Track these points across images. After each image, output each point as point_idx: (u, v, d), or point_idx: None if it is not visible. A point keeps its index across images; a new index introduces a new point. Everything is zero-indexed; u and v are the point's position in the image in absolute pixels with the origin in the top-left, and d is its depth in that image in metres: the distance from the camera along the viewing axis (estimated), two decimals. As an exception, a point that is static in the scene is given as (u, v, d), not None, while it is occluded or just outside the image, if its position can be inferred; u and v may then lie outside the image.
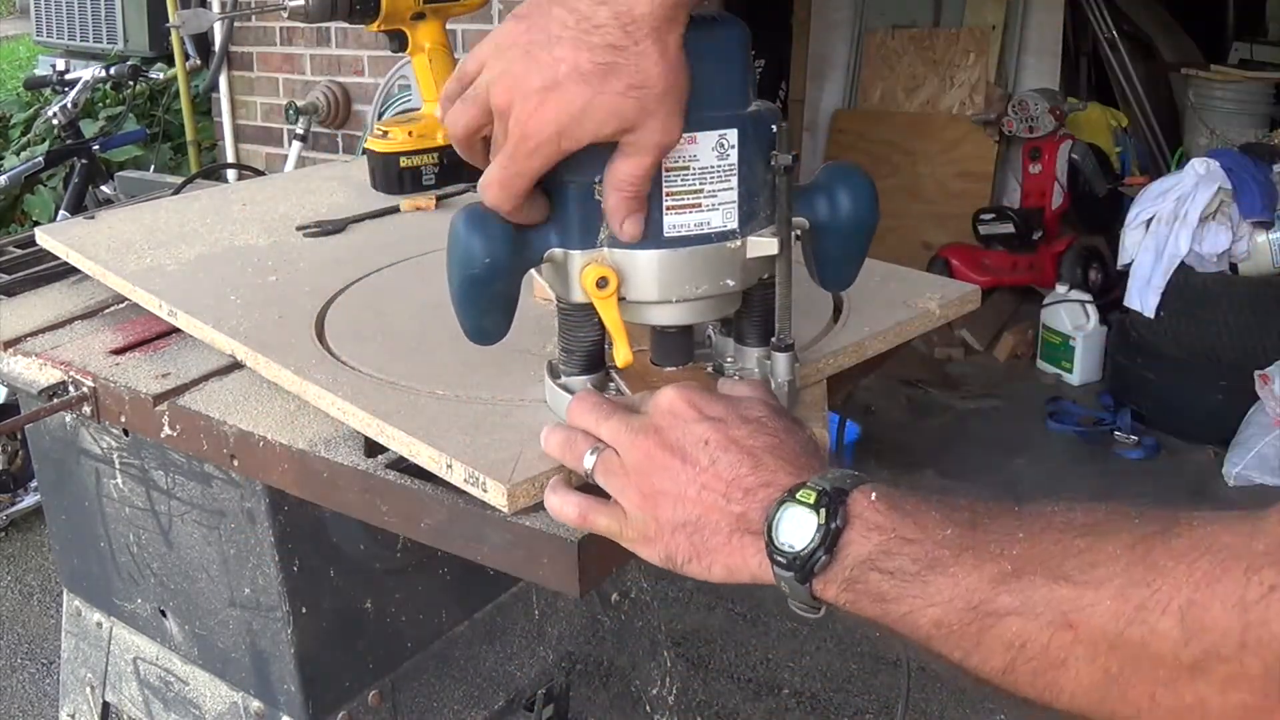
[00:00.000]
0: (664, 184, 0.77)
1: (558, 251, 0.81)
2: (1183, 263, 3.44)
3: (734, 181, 0.78)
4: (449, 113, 0.77)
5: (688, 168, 0.77)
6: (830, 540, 0.63)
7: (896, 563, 0.62)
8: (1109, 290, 4.13)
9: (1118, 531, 0.57)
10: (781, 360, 0.84)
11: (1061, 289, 4.02)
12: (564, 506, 0.76)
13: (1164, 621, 0.53)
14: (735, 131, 0.78)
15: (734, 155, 0.78)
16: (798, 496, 0.65)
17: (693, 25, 0.74)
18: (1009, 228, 4.35)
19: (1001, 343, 4.24)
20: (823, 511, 0.64)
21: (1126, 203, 3.91)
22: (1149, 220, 3.52)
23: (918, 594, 0.61)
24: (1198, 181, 3.39)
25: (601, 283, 0.79)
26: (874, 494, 0.65)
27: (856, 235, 0.85)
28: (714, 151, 0.77)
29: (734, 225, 0.80)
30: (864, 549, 0.63)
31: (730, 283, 0.82)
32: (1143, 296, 3.52)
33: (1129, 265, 3.60)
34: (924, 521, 0.63)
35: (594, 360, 0.87)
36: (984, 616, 0.59)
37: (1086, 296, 4.00)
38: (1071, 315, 3.97)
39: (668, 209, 0.78)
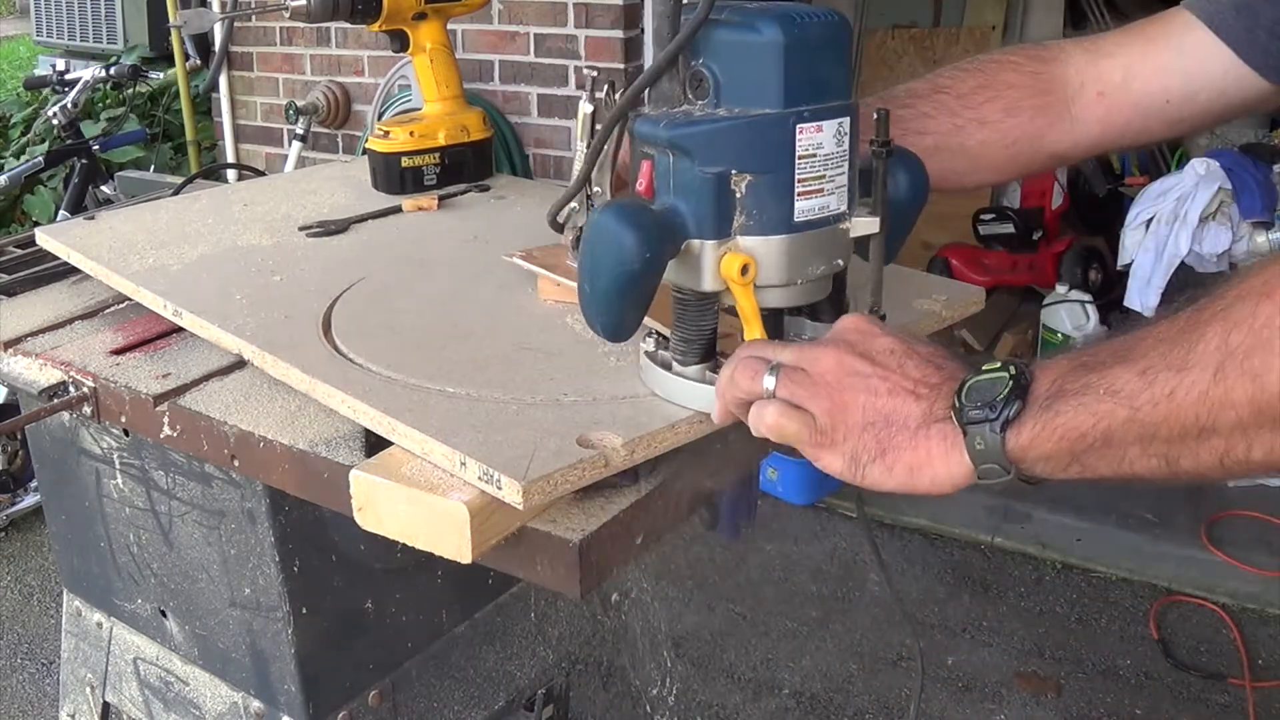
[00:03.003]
0: (796, 172, 0.81)
1: (694, 242, 0.83)
2: (1183, 263, 3.43)
3: (846, 166, 0.83)
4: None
5: (814, 155, 0.81)
6: (1021, 389, 0.69)
7: (1078, 380, 0.68)
8: (1109, 290, 4.12)
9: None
10: None
11: (1061, 289, 4.01)
12: (762, 410, 0.76)
13: None
14: (849, 119, 0.83)
15: (847, 142, 0.83)
16: (983, 368, 0.71)
17: (811, 23, 0.79)
18: (1009, 228, 4.34)
19: (1001, 343, 4.24)
20: (1011, 368, 0.70)
21: (1126, 203, 3.91)
22: (1149, 220, 3.52)
23: (1110, 370, 0.66)
24: (1198, 181, 3.39)
25: (744, 270, 0.82)
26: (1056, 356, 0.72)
27: (910, 213, 0.90)
28: (834, 139, 0.82)
29: (845, 208, 0.84)
30: (1046, 384, 0.69)
31: (839, 262, 0.86)
32: (1143, 296, 3.52)
33: (1129, 265, 3.60)
34: (1094, 346, 0.70)
35: (710, 348, 0.89)
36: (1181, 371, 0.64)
37: (1086, 297, 3.99)
38: (1071, 315, 3.96)
39: (799, 195, 0.82)
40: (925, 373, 0.74)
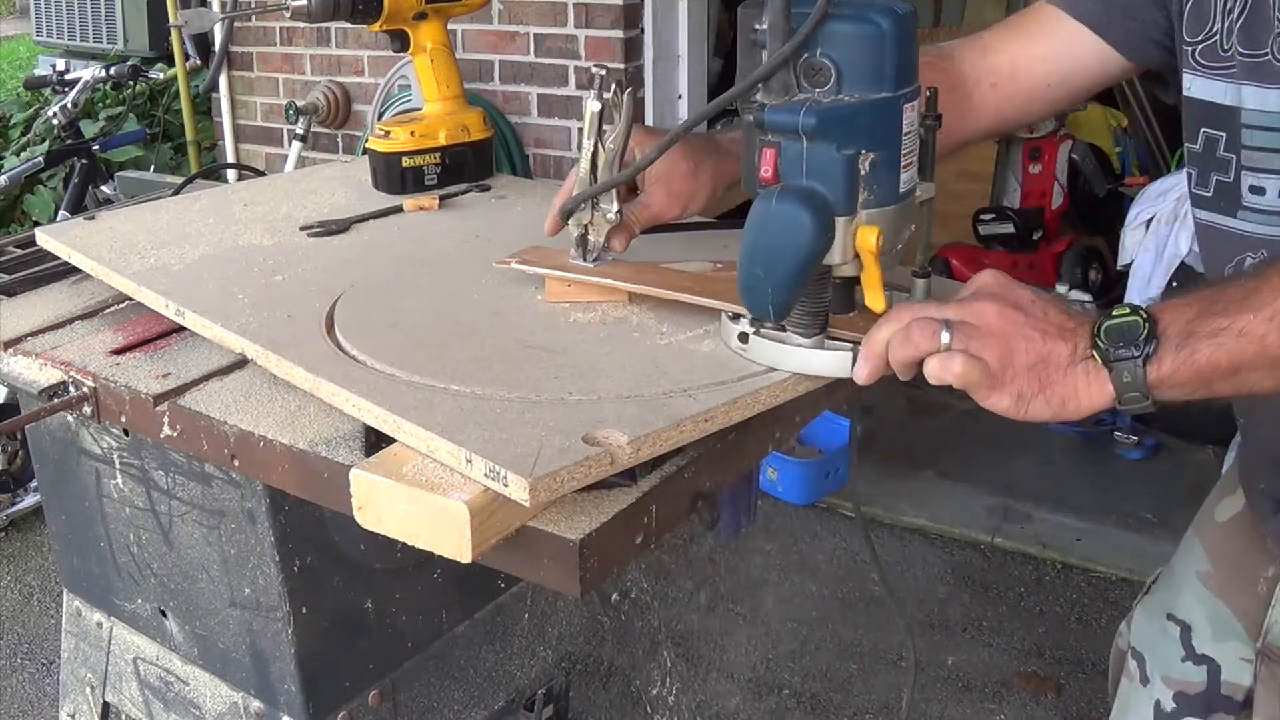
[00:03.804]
0: (902, 148, 0.90)
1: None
2: (1183, 263, 3.43)
3: (917, 140, 0.92)
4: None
5: (910, 131, 0.90)
6: (1153, 330, 0.83)
7: (1209, 324, 0.83)
8: (1109, 290, 4.12)
9: None
10: (920, 285, 0.98)
11: (1061, 289, 4.02)
12: (948, 361, 0.85)
13: None
14: (920, 98, 0.92)
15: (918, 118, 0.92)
16: (1114, 313, 0.85)
17: (904, 14, 0.87)
18: (1009, 228, 4.34)
19: (1001, 343, 4.23)
20: (1141, 312, 0.84)
21: (1126, 203, 3.91)
22: (1149, 220, 3.52)
23: (1239, 316, 0.82)
24: (1198, 182, 3.39)
25: (878, 240, 0.89)
26: (1166, 300, 0.87)
27: None
28: (917, 117, 0.91)
29: (918, 178, 0.93)
30: (1178, 326, 0.84)
31: (913, 226, 0.95)
32: (1143, 296, 3.52)
33: (1129, 265, 3.60)
34: (1209, 294, 0.86)
35: (827, 318, 0.97)
36: None
37: (1086, 296, 3.99)
38: (1071, 315, 3.96)
39: (903, 168, 0.90)
40: (1063, 318, 0.87)
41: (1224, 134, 1.03)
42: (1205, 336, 0.83)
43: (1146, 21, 1.10)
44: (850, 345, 0.95)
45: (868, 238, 0.88)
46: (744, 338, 0.99)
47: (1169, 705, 1.23)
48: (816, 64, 0.87)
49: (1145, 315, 0.85)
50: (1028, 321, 0.86)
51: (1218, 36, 1.02)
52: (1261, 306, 0.83)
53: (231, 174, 2.37)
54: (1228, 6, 1.01)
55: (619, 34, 3.30)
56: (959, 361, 0.84)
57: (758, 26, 0.88)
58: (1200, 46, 1.04)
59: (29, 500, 3.20)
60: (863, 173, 0.88)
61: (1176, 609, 1.25)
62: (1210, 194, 1.07)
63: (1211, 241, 1.08)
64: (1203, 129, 1.06)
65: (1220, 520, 1.26)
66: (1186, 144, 1.09)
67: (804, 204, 0.86)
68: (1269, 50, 0.97)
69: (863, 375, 0.91)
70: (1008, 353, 0.85)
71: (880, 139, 0.88)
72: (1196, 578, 1.24)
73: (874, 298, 0.92)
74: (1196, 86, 1.05)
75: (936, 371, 0.85)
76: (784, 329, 0.97)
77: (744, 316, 1.00)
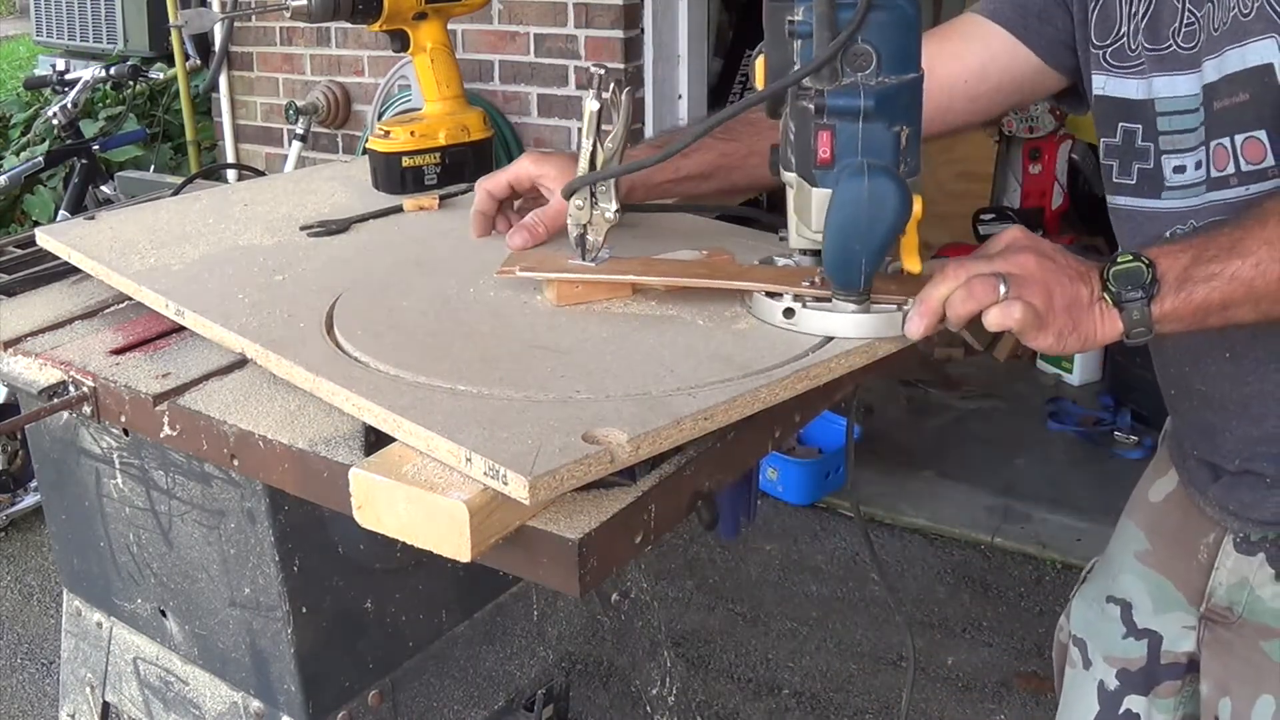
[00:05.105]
0: (922, 127, 0.96)
1: None
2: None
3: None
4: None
5: (924, 108, 0.97)
6: (1154, 272, 0.95)
7: (1204, 269, 0.96)
8: (1109, 290, 4.13)
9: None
10: None
11: (1061, 289, 4.01)
12: (1009, 308, 0.93)
13: None
14: None
15: None
16: (1118, 260, 0.97)
17: (917, 0, 0.94)
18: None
19: (1001, 343, 4.23)
20: (1143, 259, 0.96)
21: (1126, 203, 3.91)
22: (1149, 220, 3.52)
23: (1229, 262, 0.95)
24: (1198, 182, 3.39)
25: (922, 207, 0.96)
26: (1159, 245, 0.99)
27: None
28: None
29: None
30: (1176, 270, 0.96)
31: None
32: (1142, 296, 3.51)
33: (1129, 265, 3.60)
34: (1199, 241, 0.98)
35: (871, 283, 1.02)
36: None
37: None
38: (1071, 315, 3.96)
39: (922, 140, 0.97)
40: (1078, 263, 0.98)
41: (1140, 125, 1.13)
42: (1201, 280, 0.96)
43: (1059, 27, 1.20)
44: (895, 305, 1.01)
45: (918, 206, 0.95)
46: (789, 312, 1.04)
47: (1112, 684, 1.29)
48: (860, 50, 0.92)
49: (1147, 261, 0.96)
50: (1057, 268, 0.96)
51: (1125, 38, 1.13)
52: (1248, 254, 0.95)
53: (231, 174, 2.37)
54: (1132, 10, 1.12)
55: (619, 34, 3.30)
56: (1018, 308, 0.93)
57: (792, 18, 0.93)
58: (1110, 49, 1.14)
59: (29, 500, 3.20)
60: (901, 146, 0.94)
61: (1116, 590, 1.31)
62: (1134, 181, 1.15)
63: (1135, 224, 1.15)
64: (1120, 124, 1.14)
65: (1155, 500, 1.33)
66: (1103, 139, 1.17)
67: (891, 178, 0.92)
68: (1171, 42, 1.09)
69: (918, 330, 0.98)
70: (1049, 297, 0.95)
71: (913, 115, 0.95)
72: (1135, 558, 1.31)
73: (912, 261, 1.00)
74: (1111, 86, 1.15)
75: (999, 319, 0.94)
76: (830, 298, 1.03)
77: (784, 293, 1.04)
